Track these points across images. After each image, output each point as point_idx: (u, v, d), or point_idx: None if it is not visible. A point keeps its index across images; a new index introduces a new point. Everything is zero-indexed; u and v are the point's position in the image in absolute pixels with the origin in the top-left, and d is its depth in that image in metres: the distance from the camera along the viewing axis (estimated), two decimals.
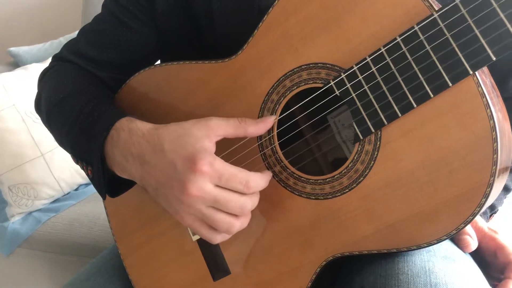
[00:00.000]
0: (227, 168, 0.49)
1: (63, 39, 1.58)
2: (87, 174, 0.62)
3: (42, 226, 1.26)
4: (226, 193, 0.49)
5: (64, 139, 0.65)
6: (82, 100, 0.63)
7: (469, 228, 0.58)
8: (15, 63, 1.57)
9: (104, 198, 0.61)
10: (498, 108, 0.46)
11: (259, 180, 0.51)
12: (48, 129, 0.71)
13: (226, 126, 0.52)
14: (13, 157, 1.25)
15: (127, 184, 0.61)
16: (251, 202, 0.50)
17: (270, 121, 0.54)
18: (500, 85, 0.74)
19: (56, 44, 1.57)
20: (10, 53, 1.57)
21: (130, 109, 0.69)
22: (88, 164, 0.60)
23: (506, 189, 0.71)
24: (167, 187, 0.50)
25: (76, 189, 1.37)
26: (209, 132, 0.50)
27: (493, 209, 0.69)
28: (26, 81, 1.31)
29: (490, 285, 0.54)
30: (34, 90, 0.77)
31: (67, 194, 1.36)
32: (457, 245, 0.57)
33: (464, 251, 0.56)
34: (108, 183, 0.60)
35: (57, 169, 1.29)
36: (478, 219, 0.61)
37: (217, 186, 0.49)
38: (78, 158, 0.63)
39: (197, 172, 0.48)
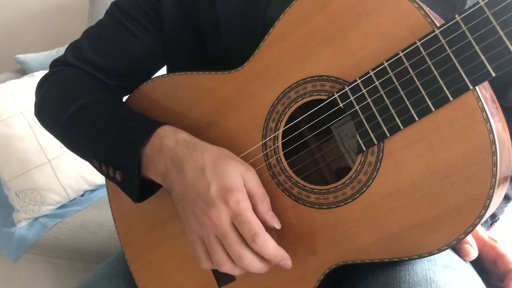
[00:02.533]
0: (248, 213, 0.51)
1: None
2: (114, 178, 0.62)
3: (48, 232, 1.27)
4: (235, 235, 0.51)
5: (85, 146, 0.65)
6: (109, 107, 0.64)
7: (469, 237, 0.59)
8: (22, 70, 1.59)
9: (135, 202, 0.62)
10: (497, 119, 0.47)
11: (268, 241, 0.52)
12: (54, 133, 0.71)
13: (253, 188, 0.54)
14: (20, 163, 1.27)
15: (153, 189, 0.63)
16: (251, 258, 0.52)
17: (272, 223, 0.55)
18: (500, 95, 0.75)
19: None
20: (17, 60, 1.59)
21: None
22: (117, 168, 0.61)
23: (506, 198, 0.72)
24: (192, 202, 0.53)
25: (82, 195, 1.39)
26: (245, 176, 0.54)
27: (493, 217, 0.71)
28: (33, 89, 1.31)
29: None
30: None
31: (73, 200, 1.37)
32: (458, 254, 0.58)
33: (464, 260, 0.58)
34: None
35: (63, 175, 1.31)
36: (479, 228, 0.62)
37: (233, 224, 0.51)
38: (105, 162, 0.63)
39: (224, 203, 0.51)
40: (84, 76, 0.70)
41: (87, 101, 0.65)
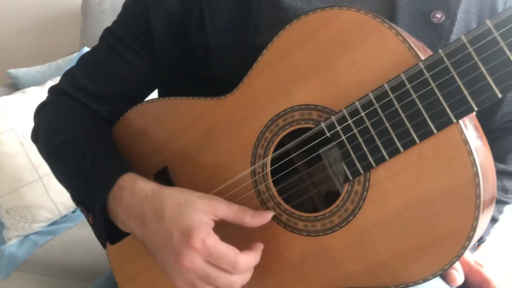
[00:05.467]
0: (218, 247, 0.51)
1: (62, 62, 1.60)
2: (88, 220, 0.63)
3: (39, 249, 1.26)
4: (216, 270, 0.51)
5: (64, 182, 0.67)
6: (83, 147, 0.65)
7: (456, 263, 0.59)
8: (13, 85, 1.59)
9: (104, 247, 0.63)
10: (480, 146, 0.48)
11: (248, 260, 0.53)
12: (46, 162, 0.73)
13: (227, 211, 0.54)
14: (11, 180, 1.26)
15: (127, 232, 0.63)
16: (240, 280, 0.53)
17: (267, 217, 0.56)
18: (489, 117, 0.77)
19: (55, 66, 1.59)
20: (9, 74, 1.58)
21: (127, 142, 0.71)
22: (89, 211, 0.62)
23: (493, 220, 0.73)
24: (164, 253, 0.53)
25: (73, 212, 1.38)
26: (210, 210, 0.53)
27: (480, 240, 0.71)
28: (25, 105, 1.32)
29: None
30: (33, 114, 0.78)
31: (64, 216, 1.37)
32: (444, 279, 0.59)
33: (451, 286, 0.58)
34: (109, 229, 0.62)
35: (55, 192, 1.31)
36: (465, 252, 0.63)
37: (208, 262, 0.51)
38: (79, 202, 0.65)
39: (190, 248, 0.51)
40: (74, 109, 0.72)
41: (67, 138, 0.67)
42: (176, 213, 0.53)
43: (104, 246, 0.65)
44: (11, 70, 1.58)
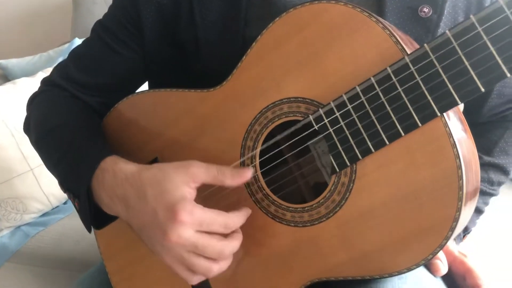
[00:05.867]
0: (206, 214, 0.52)
1: (53, 52, 1.59)
2: (74, 205, 0.64)
3: (30, 240, 1.26)
4: (204, 239, 0.52)
5: (52, 169, 0.68)
6: (70, 135, 0.65)
7: (440, 253, 0.61)
8: (4, 76, 1.58)
9: (89, 231, 0.64)
10: (464, 139, 0.49)
11: (237, 219, 0.54)
12: (36, 151, 0.73)
13: (206, 175, 0.55)
14: (2, 171, 1.26)
15: (113, 217, 0.64)
16: (230, 246, 0.53)
17: (246, 175, 0.56)
18: (476, 110, 0.78)
19: (45, 57, 1.58)
20: None
21: (118, 133, 0.71)
22: (75, 197, 0.62)
23: (478, 211, 0.74)
24: (150, 231, 0.54)
25: (65, 203, 1.38)
26: (189, 178, 0.53)
27: (466, 230, 0.73)
28: (15, 96, 1.32)
29: None
30: (23, 105, 0.79)
31: (56, 207, 1.37)
32: (428, 269, 0.60)
33: (435, 275, 0.60)
34: (95, 215, 0.63)
35: (46, 183, 1.30)
36: (450, 243, 0.64)
37: (198, 231, 0.52)
38: (66, 189, 0.65)
39: (177, 222, 0.51)
40: (64, 100, 0.73)
41: (55, 126, 0.68)
42: (157, 191, 0.53)
43: (90, 231, 0.65)
44: (1, 61, 1.57)
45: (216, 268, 0.54)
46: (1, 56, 1.63)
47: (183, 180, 0.53)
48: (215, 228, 0.52)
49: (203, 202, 0.55)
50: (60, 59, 1.48)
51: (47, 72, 1.43)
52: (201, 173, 0.54)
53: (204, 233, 0.52)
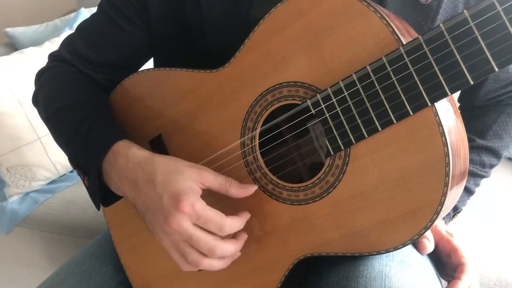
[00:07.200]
0: (206, 211, 0.55)
1: (59, 21, 1.60)
2: (83, 182, 0.67)
3: (39, 207, 1.31)
4: (200, 233, 0.55)
5: (63, 146, 0.71)
6: (81, 113, 0.68)
7: (427, 232, 0.64)
8: (11, 44, 1.59)
9: (98, 209, 0.67)
10: (453, 127, 0.51)
11: (234, 223, 0.57)
12: (46, 126, 0.76)
13: (214, 181, 0.58)
14: (11, 140, 1.29)
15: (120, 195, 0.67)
16: (222, 247, 0.56)
17: (251, 190, 0.59)
18: (473, 93, 0.79)
19: (52, 26, 1.59)
20: (6, 33, 1.58)
21: (123, 110, 0.74)
22: (85, 174, 0.65)
23: (469, 192, 0.77)
24: (153, 214, 0.57)
25: (71, 171, 1.42)
26: (198, 178, 0.57)
27: (456, 209, 0.76)
28: (23, 66, 1.34)
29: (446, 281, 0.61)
30: (31, 75, 0.80)
31: (63, 175, 1.41)
32: (416, 247, 0.63)
33: (421, 253, 0.63)
34: (103, 192, 0.66)
35: (53, 152, 1.34)
36: (438, 222, 0.67)
37: (195, 224, 0.55)
38: (76, 165, 0.68)
39: (179, 211, 0.54)
40: (72, 76, 0.74)
41: (65, 104, 0.70)
42: (166, 179, 0.56)
43: (98, 208, 0.69)
44: (8, 29, 1.58)
45: (206, 263, 0.56)
46: (7, 25, 1.64)
47: (193, 177, 0.56)
48: (209, 226, 0.55)
49: (208, 198, 0.57)
50: (66, 29, 1.49)
51: (53, 42, 1.44)
52: (210, 177, 0.57)
53: (201, 228, 0.55)
